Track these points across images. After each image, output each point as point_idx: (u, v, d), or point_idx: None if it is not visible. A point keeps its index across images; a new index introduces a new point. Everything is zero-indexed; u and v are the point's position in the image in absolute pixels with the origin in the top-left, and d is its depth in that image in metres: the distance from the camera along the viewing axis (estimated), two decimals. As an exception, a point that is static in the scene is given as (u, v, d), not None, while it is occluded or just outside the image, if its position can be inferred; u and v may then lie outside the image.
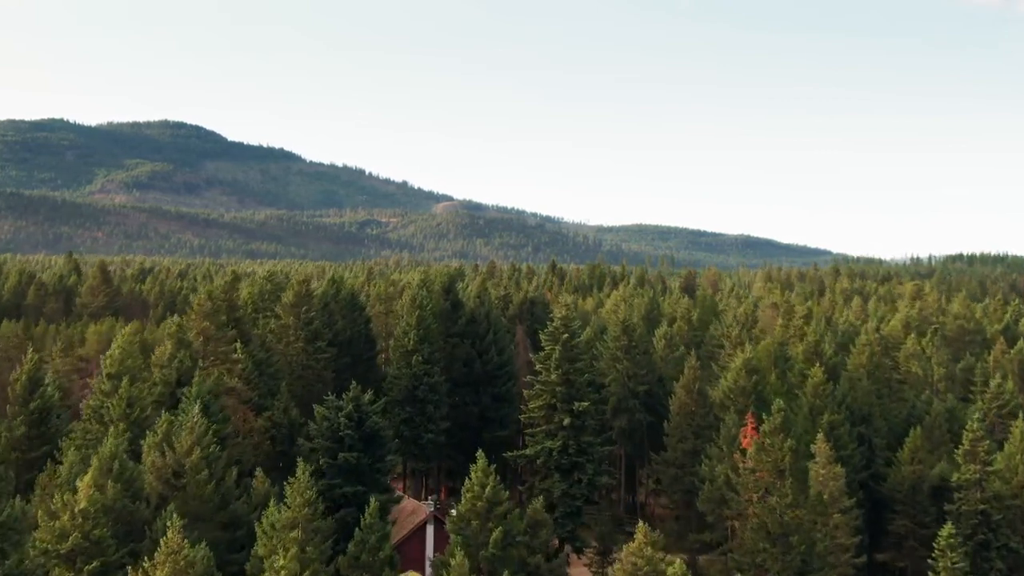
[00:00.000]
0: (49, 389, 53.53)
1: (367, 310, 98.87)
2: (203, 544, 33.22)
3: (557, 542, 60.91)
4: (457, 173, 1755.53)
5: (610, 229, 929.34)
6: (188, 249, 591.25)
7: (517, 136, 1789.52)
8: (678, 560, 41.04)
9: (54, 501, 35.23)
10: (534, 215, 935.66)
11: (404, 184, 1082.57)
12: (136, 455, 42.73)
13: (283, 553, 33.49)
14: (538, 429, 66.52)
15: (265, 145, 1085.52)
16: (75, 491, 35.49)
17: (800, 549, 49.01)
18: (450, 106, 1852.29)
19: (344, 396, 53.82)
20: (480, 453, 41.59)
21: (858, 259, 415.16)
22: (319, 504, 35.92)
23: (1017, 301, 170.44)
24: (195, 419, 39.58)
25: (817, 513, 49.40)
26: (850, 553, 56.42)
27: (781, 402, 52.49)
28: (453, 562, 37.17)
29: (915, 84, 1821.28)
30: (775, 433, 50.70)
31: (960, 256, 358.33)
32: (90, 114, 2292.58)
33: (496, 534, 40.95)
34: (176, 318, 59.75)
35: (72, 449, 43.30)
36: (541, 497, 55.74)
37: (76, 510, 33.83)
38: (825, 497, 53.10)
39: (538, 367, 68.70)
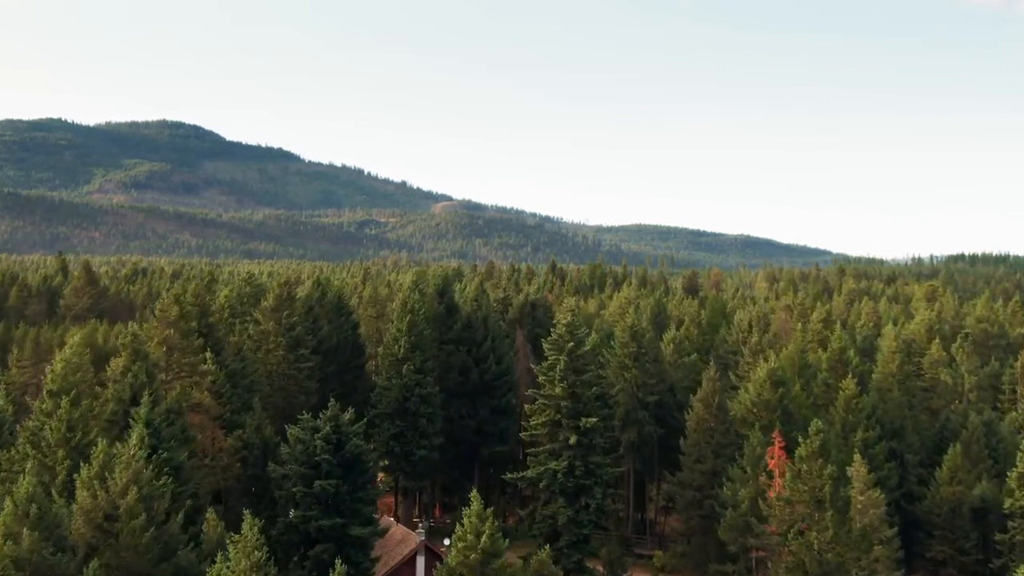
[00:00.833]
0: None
1: (358, 314, 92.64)
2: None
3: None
4: (456, 173, 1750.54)
5: (609, 229, 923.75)
6: (186, 249, 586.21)
7: (516, 136, 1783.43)
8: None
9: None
10: (533, 215, 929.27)
11: (403, 184, 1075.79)
12: (74, 491, 36.37)
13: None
14: (540, 448, 60.07)
15: (264, 145, 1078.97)
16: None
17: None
18: (450, 106, 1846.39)
19: (322, 415, 47.44)
20: (475, 493, 34.91)
21: (859, 259, 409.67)
22: (270, 568, 29.40)
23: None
24: (132, 450, 32.97)
25: (861, 550, 43.02)
26: (891, 590, 50.10)
27: (819, 423, 46.00)
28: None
29: (915, 84, 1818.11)
30: (813, 457, 44.31)
31: (962, 256, 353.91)
32: (88, 114, 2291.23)
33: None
34: (132, 325, 53.07)
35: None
36: (546, 526, 49.45)
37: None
38: (867, 528, 46.69)
39: (541, 379, 62.24)
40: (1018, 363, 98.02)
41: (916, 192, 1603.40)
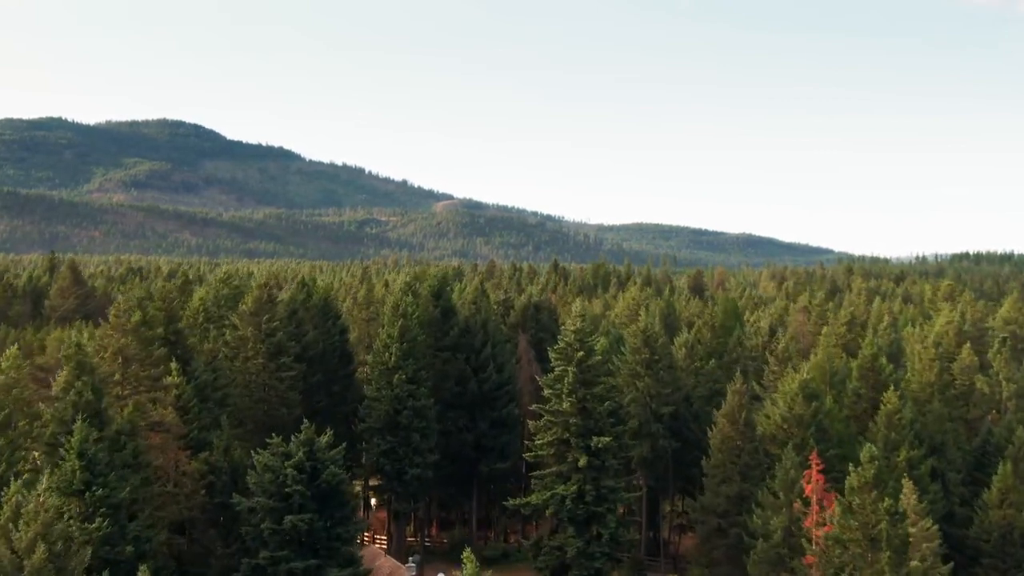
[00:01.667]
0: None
1: (350, 317, 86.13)
2: None
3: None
4: (457, 172, 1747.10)
5: (611, 228, 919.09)
6: (186, 248, 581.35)
7: (517, 135, 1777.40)
8: None
9: None
10: (534, 214, 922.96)
11: (404, 183, 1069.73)
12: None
13: None
14: (546, 471, 53.48)
15: (264, 144, 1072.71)
16: None
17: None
18: (450, 105, 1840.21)
19: (294, 440, 41.02)
20: (468, 554, 28.30)
21: (863, 258, 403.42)
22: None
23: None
24: (40, 497, 26.45)
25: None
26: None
27: (873, 448, 39.46)
28: None
29: (915, 84, 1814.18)
30: (866, 489, 37.87)
31: (966, 255, 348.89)
32: (88, 113, 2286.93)
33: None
34: (75, 334, 46.44)
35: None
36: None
37: None
38: (924, 568, 40.26)
39: (546, 392, 55.63)
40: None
41: (916, 191, 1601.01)
